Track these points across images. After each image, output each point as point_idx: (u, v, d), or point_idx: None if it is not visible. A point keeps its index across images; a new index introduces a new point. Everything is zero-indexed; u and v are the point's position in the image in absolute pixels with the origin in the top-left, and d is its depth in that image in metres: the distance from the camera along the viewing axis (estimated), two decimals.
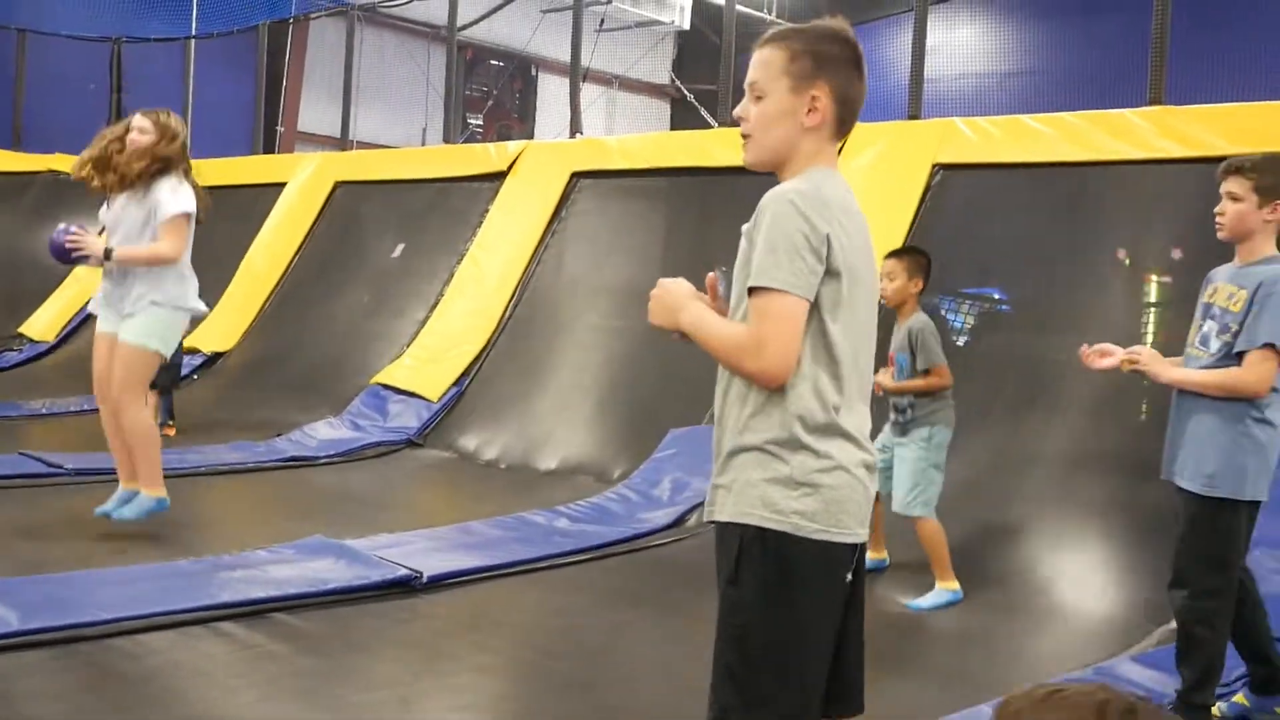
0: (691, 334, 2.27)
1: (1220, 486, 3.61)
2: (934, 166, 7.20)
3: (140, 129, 5.20)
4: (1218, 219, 3.74)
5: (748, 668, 2.16)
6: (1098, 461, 5.78)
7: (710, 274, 2.35)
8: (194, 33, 14.61)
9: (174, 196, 5.05)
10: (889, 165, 7.34)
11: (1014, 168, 6.93)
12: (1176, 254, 6.38)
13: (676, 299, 2.32)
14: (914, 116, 7.98)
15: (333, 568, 4.87)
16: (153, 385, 8.78)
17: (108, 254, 5.09)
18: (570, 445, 7.66)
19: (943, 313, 6.82)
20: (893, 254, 5.37)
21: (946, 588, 5.07)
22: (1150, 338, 6.37)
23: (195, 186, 5.28)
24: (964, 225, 7.11)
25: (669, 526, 6.13)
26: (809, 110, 2.25)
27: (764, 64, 2.30)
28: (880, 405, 5.07)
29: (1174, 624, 4.72)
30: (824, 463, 2.16)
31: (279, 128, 17.08)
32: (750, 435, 2.19)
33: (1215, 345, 3.68)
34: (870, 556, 5.23)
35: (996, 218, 7.01)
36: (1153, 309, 6.48)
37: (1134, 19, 7.45)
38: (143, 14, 15.56)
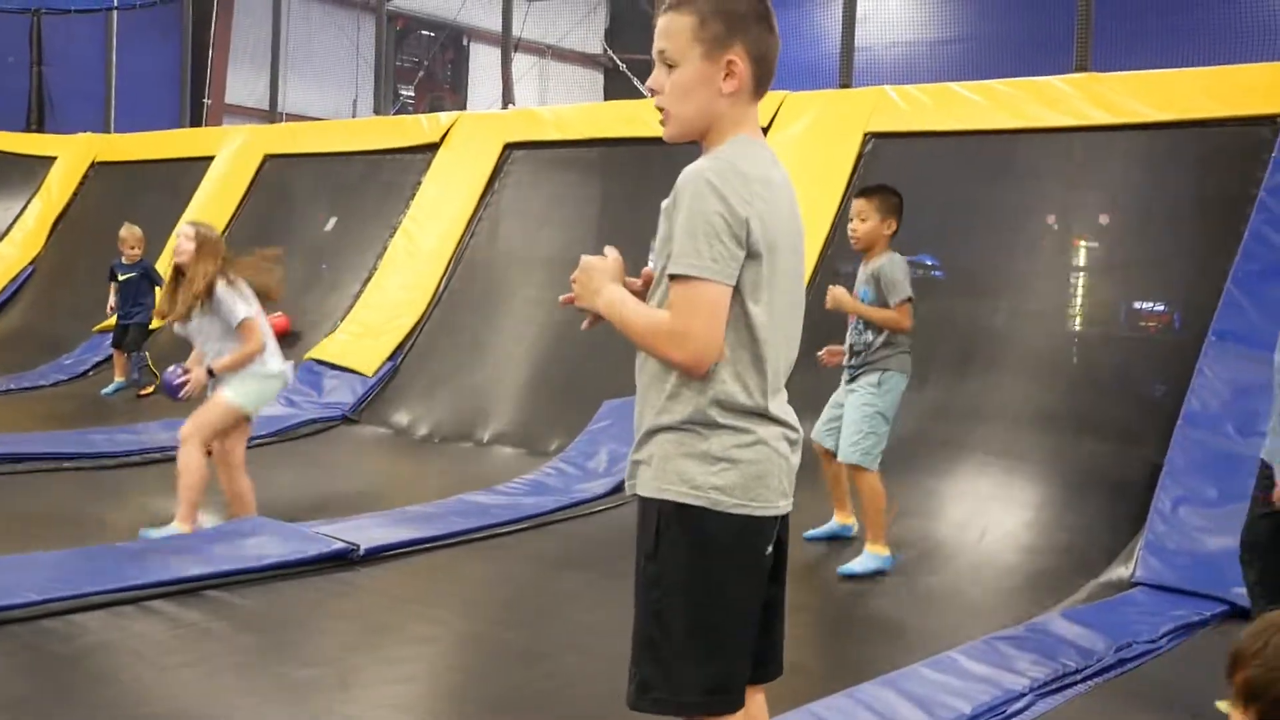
0: (608, 318, 2.22)
1: None
2: (866, 135, 7.25)
3: (185, 235, 5.36)
4: None
5: (668, 641, 2.16)
6: (1030, 420, 5.89)
7: (647, 267, 2.29)
8: (116, 3, 14.28)
9: (239, 303, 5.24)
10: (821, 134, 7.38)
11: (945, 135, 7.00)
12: (1104, 219, 6.49)
13: (595, 280, 2.25)
14: (845, 85, 8.02)
15: (268, 543, 4.82)
16: (118, 344, 8.72)
17: (210, 373, 5.26)
18: (506, 418, 7.65)
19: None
20: (863, 192, 5.19)
21: (877, 552, 4.97)
22: (1079, 302, 6.49)
23: (249, 270, 5.48)
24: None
25: (606, 495, 6.14)
26: (726, 76, 2.17)
27: (672, 31, 2.19)
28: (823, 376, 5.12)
29: (1104, 577, 4.85)
30: (743, 438, 2.15)
31: (206, 100, 16.76)
32: (668, 416, 2.18)
33: None
34: (837, 521, 5.32)
35: (929, 185, 7.06)
36: (1082, 273, 6.58)
37: None
38: None
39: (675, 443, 2.16)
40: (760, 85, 2.23)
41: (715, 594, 2.16)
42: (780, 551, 2.28)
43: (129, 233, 9.17)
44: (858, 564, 4.96)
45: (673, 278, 2.10)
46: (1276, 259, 5.38)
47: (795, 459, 2.24)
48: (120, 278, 9.13)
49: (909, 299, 5.01)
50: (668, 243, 2.14)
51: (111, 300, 9.22)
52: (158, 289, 8.52)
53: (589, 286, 2.26)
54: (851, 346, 5.09)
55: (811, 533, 5.32)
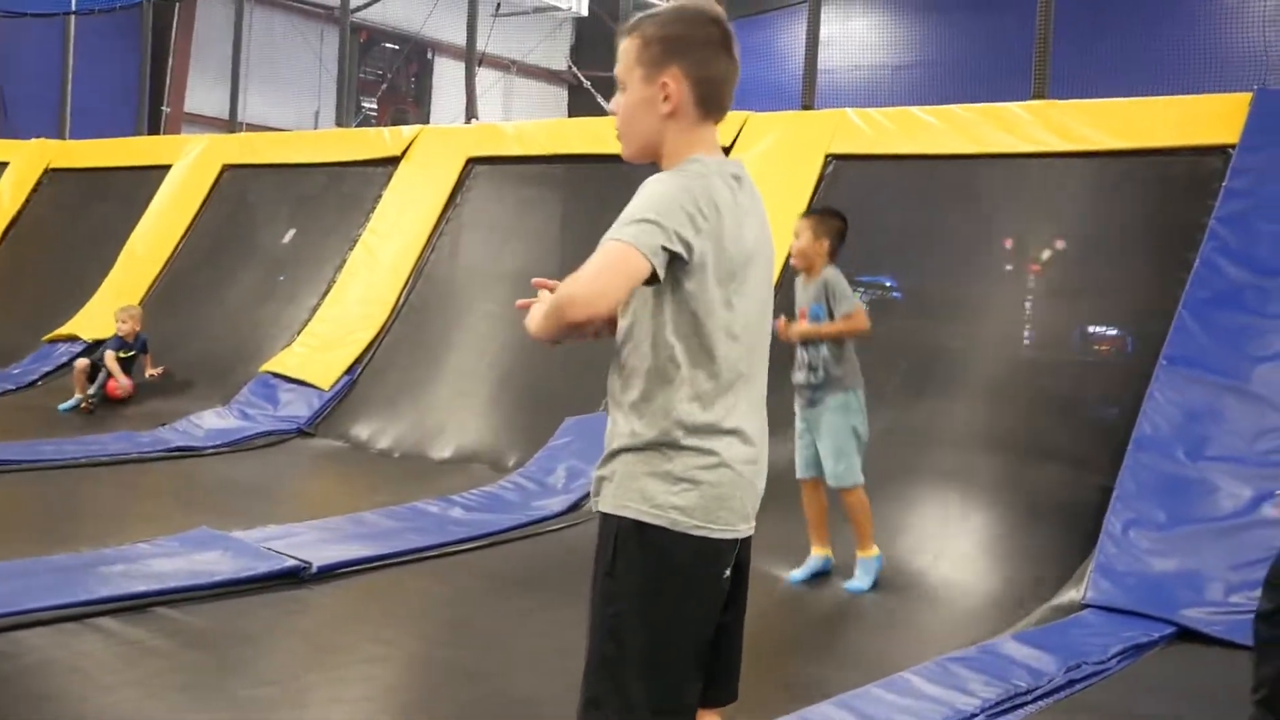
0: (546, 320, 2.20)
1: None
2: (827, 157, 7.30)
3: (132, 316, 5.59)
4: None
5: (621, 658, 2.16)
6: (984, 444, 5.93)
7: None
8: (74, 7, 14.13)
9: None
10: (782, 155, 7.41)
11: (905, 159, 7.05)
12: (1059, 245, 6.56)
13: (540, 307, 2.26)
14: (808, 107, 8.07)
15: (218, 560, 4.77)
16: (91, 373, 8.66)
17: None
18: (465, 434, 7.61)
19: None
20: (804, 214, 5.28)
21: (871, 556, 5.06)
22: (1034, 327, 6.55)
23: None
24: (856, 215, 7.15)
25: (564, 513, 6.13)
26: (663, 98, 2.21)
27: (622, 56, 2.28)
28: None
29: (1056, 600, 4.88)
30: (707, 459, 2.15)
31: (165, 108, 16.65)
32: (634, 439, 2.18)
33: None
34: (817, 555, 5.22)
35: (888, 208, 7.13)
36: (1036, 297, 6.65)
37: (1020, 13, 7.61)
38: None
39: (639, 461, 2.17)
40: (708, 107, 2.24)
41: (670, 614, 2.16)
42: (740, 575, 2.28)
43: (128, 313, 9.07)
44: (863, 579, 5.03)
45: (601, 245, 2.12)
46: (1227, 286, 5.46)
47: (760, 483, 2.25)
48: (122, 355, 8.97)
49: (859, 308, 5.10)
50: None
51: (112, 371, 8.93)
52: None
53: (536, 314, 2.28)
54: (809, 364, 5.07)
55: (797, 575, 5.19)
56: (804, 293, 5.15)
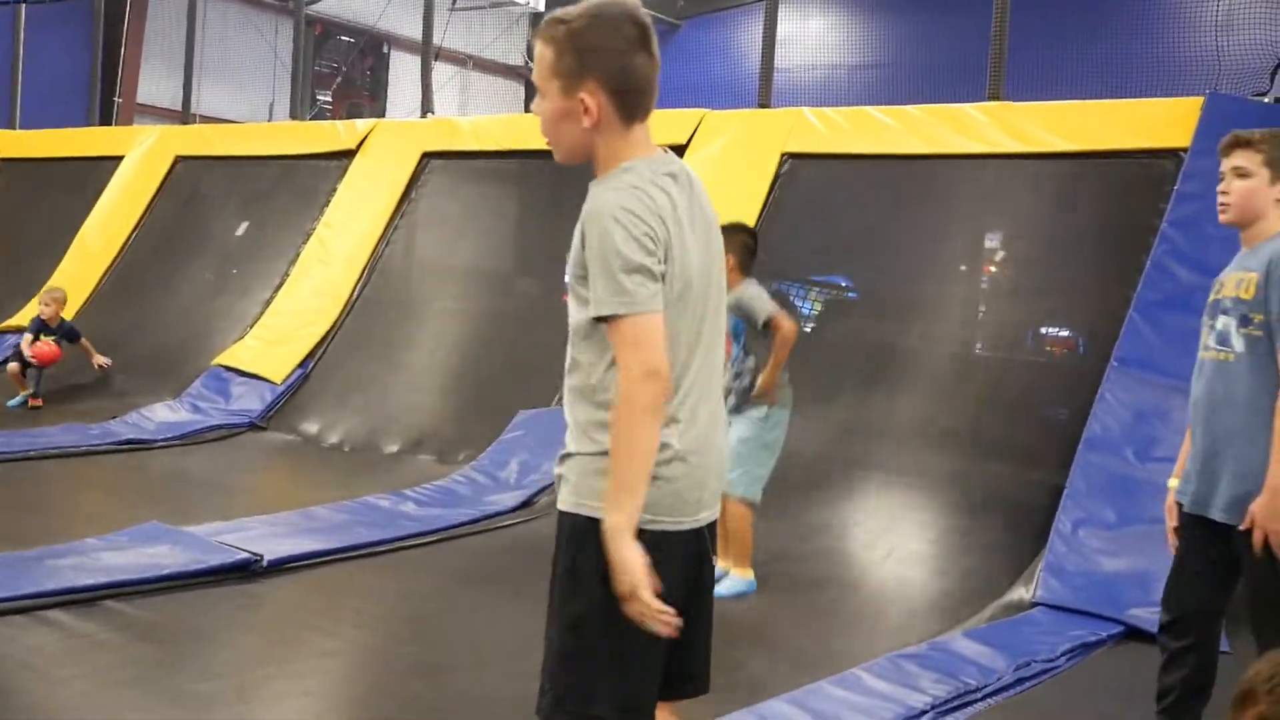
0: (630, 509, 2.09)
1: None
2: (783, 155, 7.32)
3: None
4: (1221, 200, 3.27)
5: (583, 654, 2.16)
6: (936, 441, 5.97)
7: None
8: None
9: None
10: (739, 153, 7.43)
11: (860, 158, 7.09)
12: (1013, 245, 6.63)
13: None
14: (764, 106, 8.09)
15: (169, 554, 4.72)
16: (22, 369, 8.46)
17: None
18: (416, 428, 7.58)
19: (791, 299, 6.94)
20: None
21: (744, 576, 4.84)
22: (988, 326, 6.61)
23: None
24: (811, 214, 7.24)
25: (517, 508, 6.11)
26: (584, 111, 2.17)
27: (537, 60, 2.21)
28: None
29: (1006, 598, 4.93)
30: (661, 454, 2.14)
31: (116, 99, 16.43)
32: (587, 443, 2.18)
33: (1240, 343, 3.12)
34: (721, 566, 4.89)
35: (843, 207, 7.17)
36: (990, 297, 6.71)
37: (976, 16, 7.68)
38: None
39: (593, 460, 2.16)
40: (631, 111, 2.20)
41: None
42: (705, 563, 2.28)
43: (52, 296, 8.89)
44: (724, 587, 4.69)
45: (605, 320, 2.10)
46: (1177, 288, 5.53)
47: (721, 468, 2.29)
48: (43, 339, 8.81)
49: (775, 312, 4.85)
50: (580, 264, 2.15)
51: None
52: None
53: (623, 589, 2.09)
54: (736, 375, 4.86)
55: (721, 592, 4.77)
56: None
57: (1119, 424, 5.28)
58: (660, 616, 2.06)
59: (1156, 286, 5.60)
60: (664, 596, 2.14)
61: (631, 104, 2.19)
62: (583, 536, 2.15)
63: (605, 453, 2.13)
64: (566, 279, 2.24)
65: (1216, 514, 3.11)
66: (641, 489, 2.09)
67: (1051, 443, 5.68)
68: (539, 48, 2.21)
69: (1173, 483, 3.36)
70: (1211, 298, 3.29)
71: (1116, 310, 5.68)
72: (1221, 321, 3.19)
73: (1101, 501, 5.08)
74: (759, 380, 4.82)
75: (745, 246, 5.00)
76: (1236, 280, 3.18)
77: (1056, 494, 5.21)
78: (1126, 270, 5.82)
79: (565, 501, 2.21)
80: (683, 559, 2.22)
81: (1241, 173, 3.22)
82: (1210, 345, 3.23)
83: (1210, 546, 3.15)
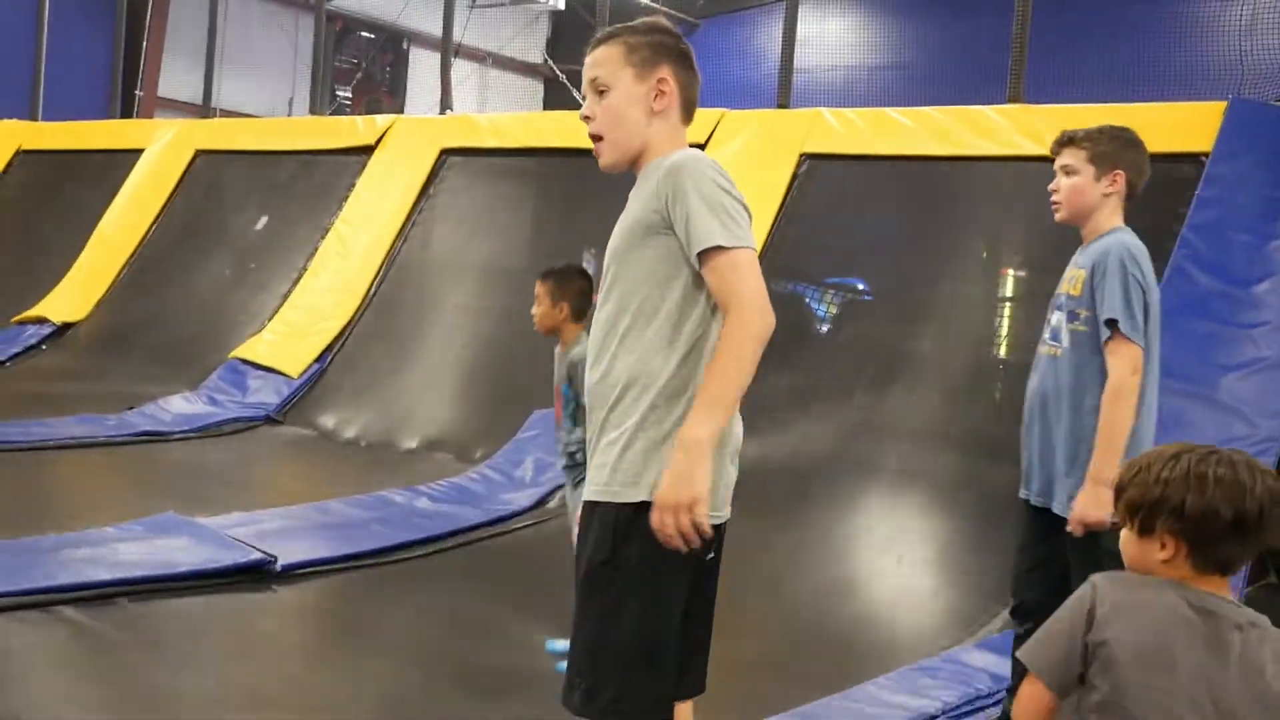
0: (717, 429, 2.14)
1: None
2: (801, 156, 7.29)
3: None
4: (1052, 199, 3.40)
5: (618, 648, 2.17)
6: (952, 445, 5.94)
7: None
8: None
9: None
10: (757, 153, 7.41)
11: (879, 160, 7.06)
12: (1031, 249, 6.59)
13: (685, 491, 2.10)
14: (783, 106, 8.08)
15: (183, 547, 4.72)
16: None
17: None
18: (432, 424, 7.58)
19: (806, 301, 6.93)
20: (541, 275, 4.47)
21: None
22: (1005, 329, 6.58)
23: None
24: (829, 215, 7.22)
25: (531, 508, 6.11)
26: (657, 95, 2.32)
27: (603, 60, 2.34)
28: None
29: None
30: (730, 444, 2.26)
31: (138, 92, 16.49)
32: (643, 424, 2.20)
33: (1067, 338, 3.28)
34: None
35: (861, 208, 7.14)
36: (1007, 301, 6.68)
37: (996, 18, 7.65)
38: None
39: (650, 445, 2.19)
40: (688, 111, 2.38)
41: (667, 599, 2.19)
42: (718, 559, 2.34)
43: None
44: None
45: (710, 252, 2.15)
46: (1196, 293, 5.50)
47: (734, 469, 2.35)
48: None
49: None
50: (638, 225, 2.25)
51: None
52: None
53: (683, 496, 2.10)
54: (565, 445, 4.30)
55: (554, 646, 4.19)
56: (560, 363, 4.42)
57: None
58: (698, 536, 2.09)
59: (1176, 291, 5.56)
60: (696, 589, 2.25)
61: (690, 103, 2.38)
62: (628, 526, 2.17)
63: (663, 431, 2.18)
64: (612, 252, 2.30)
65: (1057, 508, 3.22)
66: (731, 413, 2.17)
67: None
68: (604, 50, 2.35)
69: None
70: (1056, 291, 3.41)
71: None
72: (1055, 317, 3.33)
73: None
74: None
75: (584, 292, 4.43)
76: (1070, 277, 3.31)
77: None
78: None
79: (605, 489, 2.22)
80: (712, 551, 2.29)
81: (1069, 170, 3.32)
82: (1045, 340, 3.37)
83: (1052, 538, 3.25)
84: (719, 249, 2.14)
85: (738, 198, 2.22)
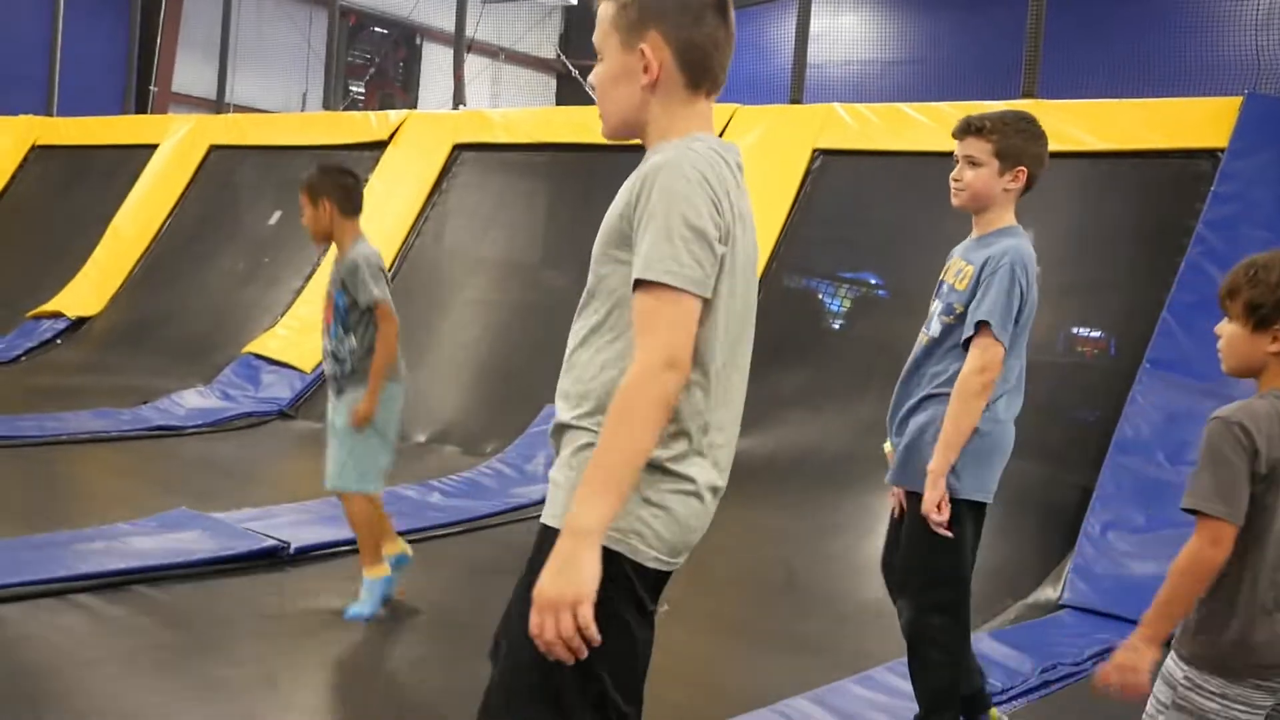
0: (609, 513, 1.78)
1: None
2: (814, 151, 7.29)
3: None
4: (953, 185, 3.28)
5: (572, 700, 1.88)
6: None
7: None
8: None
9: None
10: (770, 149, 7.41)
11: (892, 155, 7.05)
12: (1045, 245, 6.55)
13: (562, 591, 1.76)
14: (796, 101, 8.06)
15: (197, 540, 4.75)
16: None
17: None
18: (444, 418, 7.60)
19: (820, 296, 6.92)
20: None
21: (375, 575, 4.21)
22: None
23: None
24: (842, 210, 7.21)
25: (542, 501, 6.10)
26: (642, 69, 1.93)
27: (600, 21, 2.00)
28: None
29: (1032, 598, 4.90)
30: (681, 484, 1.88)
31: (152, 87, 16.54)
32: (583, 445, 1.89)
33: (937, 327, 3.22)
34: (387, 551, 4.41)
35: (874, 204, 7.13)
36: None
37: (1011, 12, 7.62)
38: None
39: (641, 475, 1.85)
40: (696, 76, 1.96)
41: (632, 655, 1.91)
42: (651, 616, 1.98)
43: None
44: (365, 603, 4.19)
45: (646, 285, 1.80)
46: (1212, 290, 5.39)
47: (708, 505, 1.95)
48: None
49: (382, 300, 4.23)
50: (618, 225, 1.90)
51: None
52: None
53: (564, 593, 1.76)
54: (333, 355, 4.29)
55: (357, 612, 4.28)
56: (333, 270, 4.36)
57: (1150, 426, 5.23)
58: (582, 641, 1.76)
59: (1191, 288, 5.54)
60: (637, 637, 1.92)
61: (696, 65, 1.95)
62: (623, 584, 1.85)
63: (657, 467, 1.85)
64: (593, 258, 1.98)
65: (904, 486, 3.25)
66: (625, 494, 1.79)
67: (1081, 444, 5.64)
68: (601, 7, 2.00)
69: (887, 446, 3.47)
70: (941, 276, 3.35)
71: (1150, 311, 5.63)
72: (934, 305, 3.28)
73: (1131, 504, 5.04)
74: (360, 404, 4.16)
75: (344, 188, 4.31)
76: (957, 269, 3.24)
77: (1086, 496, 5.18)
78: (1161, 271, 5.77)
79: (556, 515, 1.89)
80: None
81: (973, 161, 3.23)
82: (924, 327, 3.31)
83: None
84: (655, 283, 1.78)
85: (711, 224, 1.83)
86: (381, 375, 4.21)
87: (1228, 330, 2.41)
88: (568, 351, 1.98)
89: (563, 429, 1.95)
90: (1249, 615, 2.29)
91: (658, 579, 1.92)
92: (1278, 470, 2.25)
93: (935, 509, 3.08)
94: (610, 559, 1.80)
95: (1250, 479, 2.24)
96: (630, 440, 1.78)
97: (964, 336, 3.11)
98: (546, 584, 1.76)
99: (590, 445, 1.86)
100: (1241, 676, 2.29)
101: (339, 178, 4.34)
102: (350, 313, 4.25)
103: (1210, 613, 2.32)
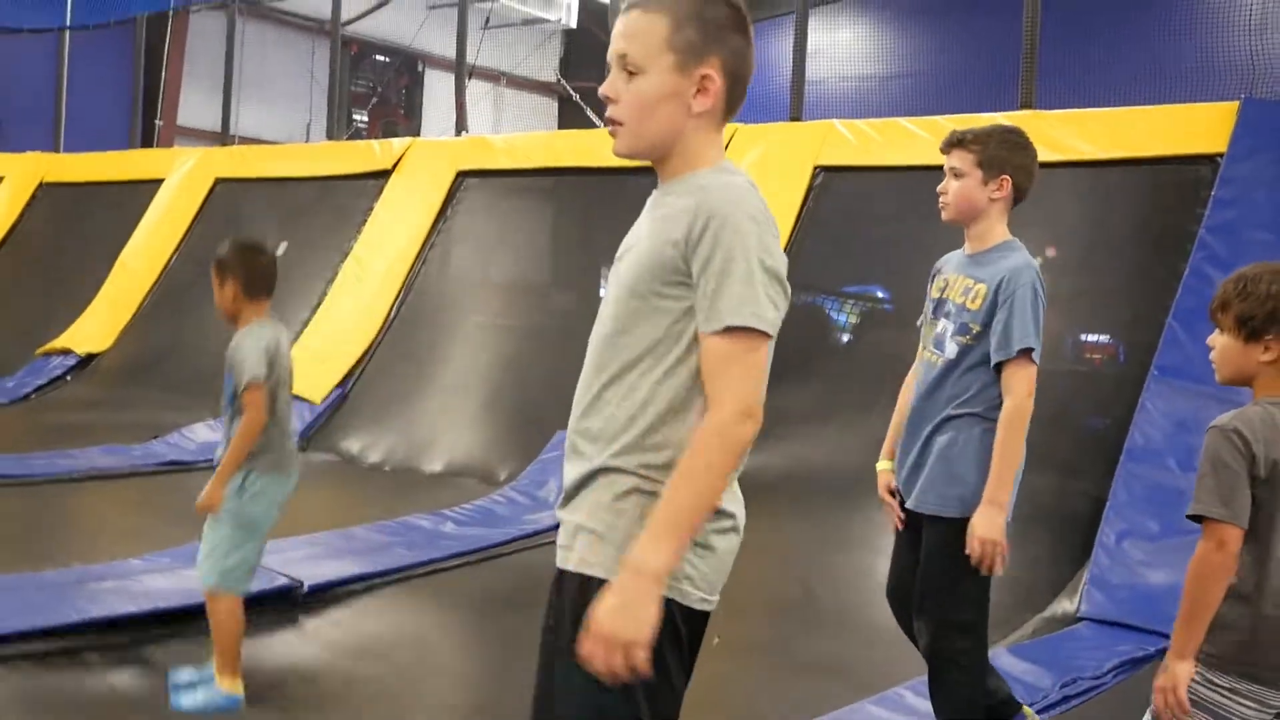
0: (676, 557, 1.78)
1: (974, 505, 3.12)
2: (815, 168, 7.30)
3: None
4: (941, 199, 3.32)
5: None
6: None
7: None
8: (68, 23, 14.13)
9: None
10: (771, 167, 7.42)
11: (893, 170, 7.06)
12: (1049, 253, 6.56)
13: (622, 626, 1.74)
14: (795, 119, 8.08)
15: None
16: None
17: None
18: (456, 447, 7.60)
19: (826, 311, 6.92)
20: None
21: (227, 689, 3.71)
22: None
23: None
24: (845, 226, 7.22)
25: (556, 527, 6.10)
26: (698, 92, 1.87)
27: (641, 33, 1.87)
28: None
29: (1049, 611, 4.88)
30: (722, 521, 1.88)
31: (158, 121, 16.64)
32: (640, 483, 1.86)
33: (952, 348, 3.20)
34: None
35: (877, 219, 7.14)
36: None
37: (1007, 24, 7.63)
38: (14, 3, 15.04)
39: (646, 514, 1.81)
40: (733, 106, 1.94)
41: (672, 698, 1.89)
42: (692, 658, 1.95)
43: None
44: (198, 698, 3.71)
45: (726, 330, 1.78)
46: None
47: (734, 539, 1.94)
48: None
49: (254, 383, 3.85)
50: (652, 248, 1.87)
51: None
52: None
53: (623, 632, 1.74)
54: (225, 439, 3.92)
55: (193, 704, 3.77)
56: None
57: (1161, 433, 5.22)
58: (634, 678, 1.76)
59: (1196, 293, 5.53)
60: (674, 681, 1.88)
61: (736, 99, 1.93)
62: (673, 628, 1.82)
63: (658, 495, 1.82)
64: (621, 282, 1.92)
65: (928, 510, 3.20)
66: (690, 540, 1.79)
67: (1092, 453, 5.63)
68: (641, 18, 1.88)
69: (881, 465, 3.42)
70: (934, 294, 3.33)
71: (1156, 318, 5.63)
72: (941, 325, 3.24)
73: (1144, 512, 5.02)
74: (208, 484, 3.77)
75: (256, 268, 4.09)
76: (964, 287, 3.21)
77: (1099, 505, 5.16)
78: (1165, 278, 5.77)
79: (597, 564, 1.86)
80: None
81: (957, 173, 3.26)
82: (928, 346, 3.28)
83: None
84: (736, 329, 1.77)
85: (780, 262, 1.83)
86: (232, 464, 3.78)
87: (1220, 342, 2.49)
88: (591, 387, 1.92)
89: (595, 473, 1.89)
90: (1256, 614, 2.35)
91: (701, 619, 1.90)
92: (1276, 472, 2.33)
93: (991, 533, 3.06)
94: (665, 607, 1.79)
95: (1250, 482, 2.33)
96: (707, 488, 1.77)
97: (996, 360, 3.09)
98: (605, 619, 1.74)
99: (636, 490, 1.84)
100: (1251, 674, 2.34)
101: (248, 257, 4.09)
102: (236, 397, 3.91)
103: (1219, 613, 2.37)
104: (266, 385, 3.88)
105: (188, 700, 3.70)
